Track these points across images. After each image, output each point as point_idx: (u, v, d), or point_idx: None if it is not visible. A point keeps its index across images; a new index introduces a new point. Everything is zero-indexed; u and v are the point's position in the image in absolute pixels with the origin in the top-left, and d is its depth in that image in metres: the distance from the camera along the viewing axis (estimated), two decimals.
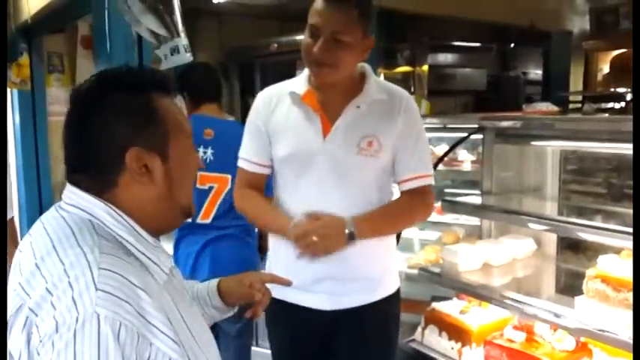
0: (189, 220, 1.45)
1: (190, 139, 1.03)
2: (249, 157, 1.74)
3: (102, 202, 0.92)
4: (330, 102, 1.64)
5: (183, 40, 1.31)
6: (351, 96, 1.64)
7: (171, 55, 1.51)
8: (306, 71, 1.70)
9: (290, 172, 1.68)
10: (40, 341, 0.79)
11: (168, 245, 3.07)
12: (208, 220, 2.44)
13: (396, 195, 1.76)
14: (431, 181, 1.70)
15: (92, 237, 0.88)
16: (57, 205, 0.97)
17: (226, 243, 2.46)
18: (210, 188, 2.42)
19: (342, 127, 1.63)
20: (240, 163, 1.77)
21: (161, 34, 1.30)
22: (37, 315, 0.81)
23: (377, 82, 1.69)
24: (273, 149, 1.70)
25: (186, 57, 1.29)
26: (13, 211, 3.20)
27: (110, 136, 0.92)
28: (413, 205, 1.72)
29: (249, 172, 1.75)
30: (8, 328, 0.84)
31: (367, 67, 1.70)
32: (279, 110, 1.69)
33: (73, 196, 0.94)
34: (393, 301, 1.77)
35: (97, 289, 0.80)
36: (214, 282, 1.27)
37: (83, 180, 0.94)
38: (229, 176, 2.37)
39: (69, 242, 0.87)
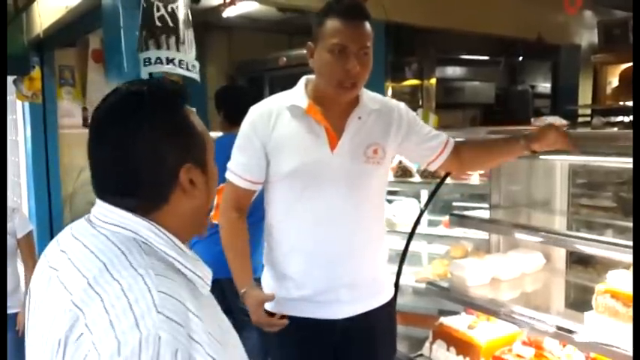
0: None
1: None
2: (241, 173, 1.72)
3: (144, 220, 0.92)
4: (331, 115, 1.67)
5: (186, 57, 1.33)
6: (348, 108, 1.69)
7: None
8: (302, 85, 1.72)
9: (295, 185, 1.68)
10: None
11: None
12: None
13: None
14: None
15: (142, 257, 0.88)
16: (87, 219, 0.95)
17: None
18: None
19: (349, 137, 1.68)
20: (230, 177, 1.73)
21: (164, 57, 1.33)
22: (92, 332, 0.80)
23: (367, 93, 1.75)
24: (275, 165, 1.68)
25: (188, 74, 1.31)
26: (30, 225, 3.22)
27: (162, 157, 0.91)
28: None
29: (240, 188, 1.72)
30: (62, 343, 0.83)
31: None
32: (280, 125, 1.68)
33: (111, 214, 0.92)
34: (393, 303, 1.88)
35: (157, 311, 0.81)
36: None
37: (130, 201, 0.92)
38: None
39: (121, 264, 0.86)
